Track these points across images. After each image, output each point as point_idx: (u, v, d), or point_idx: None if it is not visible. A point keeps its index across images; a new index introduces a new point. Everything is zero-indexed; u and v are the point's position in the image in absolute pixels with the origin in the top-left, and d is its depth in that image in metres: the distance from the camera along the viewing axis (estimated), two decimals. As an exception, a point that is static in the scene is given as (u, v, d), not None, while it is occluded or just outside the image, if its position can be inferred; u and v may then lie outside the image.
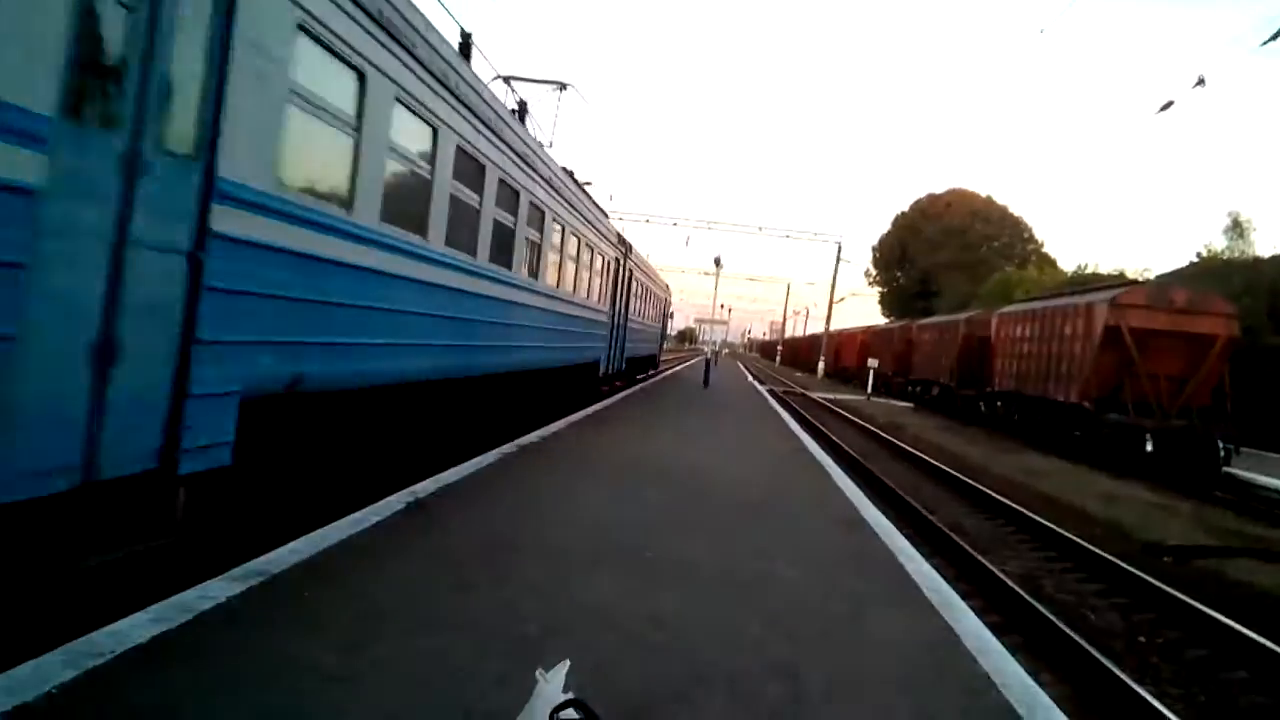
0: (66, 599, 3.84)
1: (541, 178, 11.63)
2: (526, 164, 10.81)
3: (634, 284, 23.16)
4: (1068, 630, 6.62)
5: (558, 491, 7.47)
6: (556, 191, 12.66)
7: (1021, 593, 7.67)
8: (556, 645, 3.74)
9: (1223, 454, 19.52)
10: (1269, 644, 6.66)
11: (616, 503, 7.25)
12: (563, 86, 16.92)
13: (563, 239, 13.62)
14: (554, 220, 12.64)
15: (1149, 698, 5.38)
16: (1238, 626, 7.07)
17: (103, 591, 3.95)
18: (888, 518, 8.79)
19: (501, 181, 9.72)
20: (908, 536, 8.22)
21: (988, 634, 4.76)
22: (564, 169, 14.03)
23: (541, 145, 12.52)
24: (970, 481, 14.63)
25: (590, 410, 14.94)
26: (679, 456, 10.30)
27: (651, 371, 33.84)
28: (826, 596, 5.11)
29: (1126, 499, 15.66)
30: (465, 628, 3.88)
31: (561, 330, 14.16)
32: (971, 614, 5.14)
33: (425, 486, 6.89)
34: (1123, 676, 5.69)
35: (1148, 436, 19.96)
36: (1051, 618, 6.92)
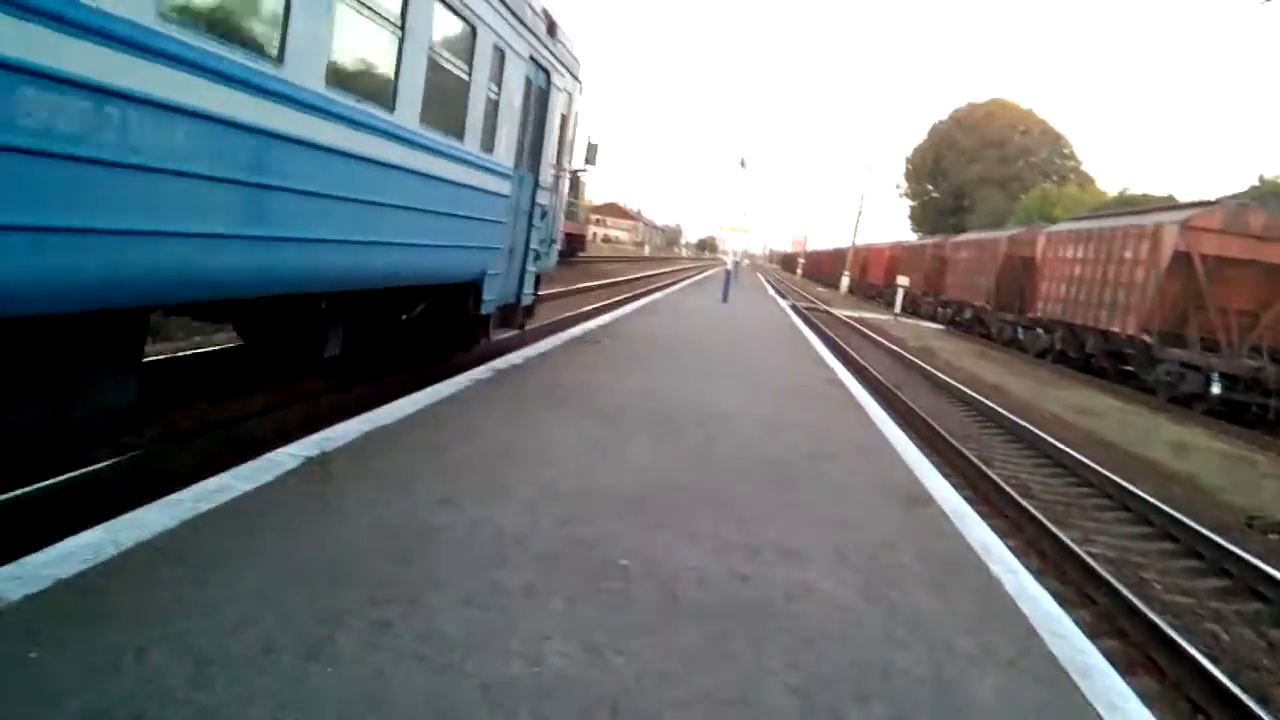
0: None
1: None
2: None
3: None
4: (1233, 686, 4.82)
5: (520, 445, 5.70)
6: None
7: (1153, 616, 5.88)
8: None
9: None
10: None
11: (593, 466, 5.47)
12: None
13: None
14: None
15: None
16: None
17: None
18: (932, 462, 7.03)
19: None
20: (968, 500, 6.49)
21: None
22: None
23: None
24: (1023, 423, 12.77)
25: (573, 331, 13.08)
26: (686, 393, 8.47)
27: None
28: (890, 642, 3.34)
29: (1198, 449, 13.82)
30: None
31: None
32: (1134, 698, 3.30)
33: (345, 431, 5.14)
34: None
35: (1214, 377, 17.94)
36: (1204, 662, 5.10)
